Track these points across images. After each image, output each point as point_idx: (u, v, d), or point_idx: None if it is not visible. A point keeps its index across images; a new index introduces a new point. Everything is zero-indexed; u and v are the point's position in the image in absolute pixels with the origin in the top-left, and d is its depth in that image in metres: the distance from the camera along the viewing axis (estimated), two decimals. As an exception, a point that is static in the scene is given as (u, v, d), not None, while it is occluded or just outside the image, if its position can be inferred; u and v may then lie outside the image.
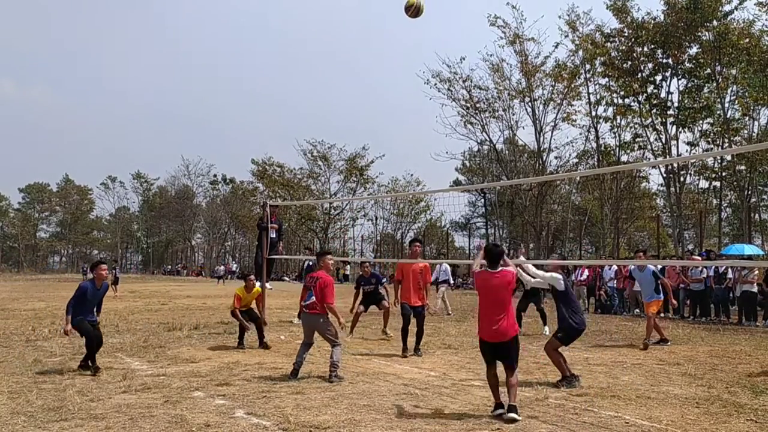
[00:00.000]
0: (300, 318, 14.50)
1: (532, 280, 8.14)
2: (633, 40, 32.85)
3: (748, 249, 20.64)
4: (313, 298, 8.08)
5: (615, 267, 18.89)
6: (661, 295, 11.48)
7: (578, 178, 42.62)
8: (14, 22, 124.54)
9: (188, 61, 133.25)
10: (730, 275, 16.30)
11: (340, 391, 7.29)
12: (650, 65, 33.22)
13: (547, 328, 13.04)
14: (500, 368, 6.37)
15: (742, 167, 31.51)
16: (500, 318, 6.26)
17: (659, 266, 17.54)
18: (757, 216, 34.03)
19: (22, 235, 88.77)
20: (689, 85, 32.58)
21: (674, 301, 12.83)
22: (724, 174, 33.47)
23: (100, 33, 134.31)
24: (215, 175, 79.93)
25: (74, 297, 8.38)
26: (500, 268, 6.45)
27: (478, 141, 44.12)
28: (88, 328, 8.38)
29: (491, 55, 40.25)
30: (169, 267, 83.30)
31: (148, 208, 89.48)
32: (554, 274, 8.03)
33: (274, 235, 13.23)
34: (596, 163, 38.04)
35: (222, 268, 55.13)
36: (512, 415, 5.96)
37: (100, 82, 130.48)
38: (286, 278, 42.27)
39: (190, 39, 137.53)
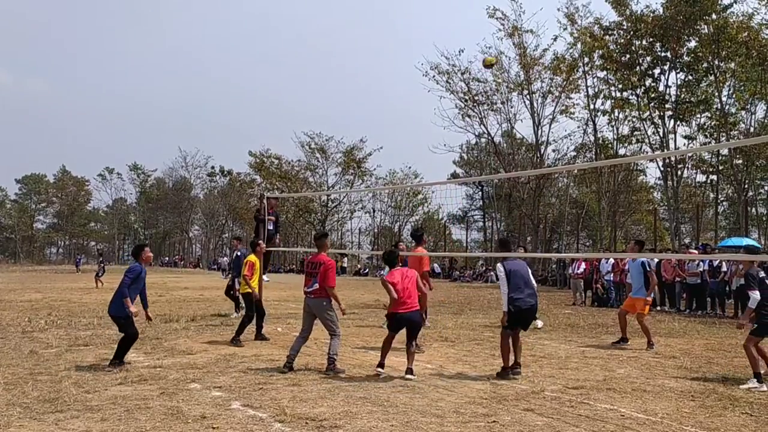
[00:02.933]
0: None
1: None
2: (632, 33, 32.80)
3: (747, 240, 20.67)
4: (317, 285, 8.04)
5: (612, 260, 18.91)
6: (652, 294, 10.99)
7: (576, 172, 42.62)
8: (13, 13, 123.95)
9: (187, 53, 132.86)
10: (724, 268, 16.30)
11: (337, 383, 7.29)
12: (649, 59, 33.19)
13: (539, 321, 12.86)
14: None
15: (739, 161, 31.55)
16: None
17: (655, 260, 17.63)
18: (753, 210, 34.09)
19: (18, 227, 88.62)
20: (687, 78, 32.57)
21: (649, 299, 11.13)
22: (721, 168, 33.53)
23: (98, 25, 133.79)
24: (213, 167, 79.90)
25: (130, 279, 8.19)
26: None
27: (476, 134, 44.17)
28: (132, 327, 8.25)
29: (490, 48, 40.19)
30: (167, 258, 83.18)
31: (146, 199, 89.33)
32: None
33: (271, 227, 13.22)
34: (594, 157, 38.07)
35: (225, 259, 53.64)
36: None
37: (97, 74, 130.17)
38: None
39: (188, 31, 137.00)
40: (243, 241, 16.78)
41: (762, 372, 7.96)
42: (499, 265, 8.15)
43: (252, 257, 11.07)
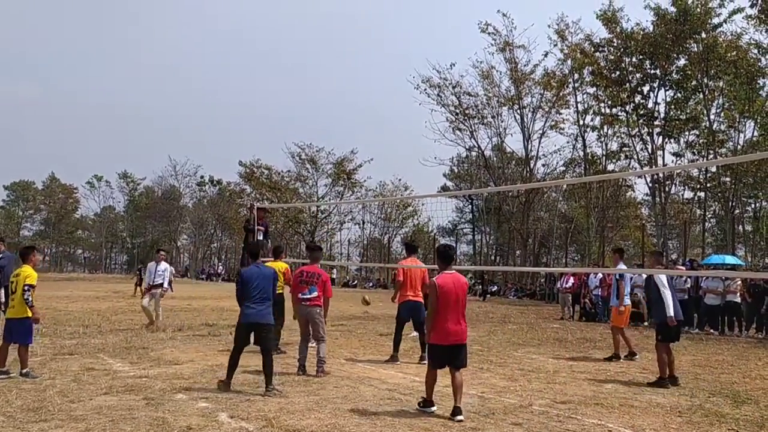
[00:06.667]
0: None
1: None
2: (622, 50, 33.15)
3: (729, 259, 20.81)
4: (316, 292, 8.66)
5: (600, 275, 18.98)
6: (627, 300, 10.93)
7: (565, 186, 42.86)
8: (2, 18, 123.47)
9: (177, 61, 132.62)
10: (703, 285, 16.34)
11: (324, 395, 7.26)
12: (638, 76, 33.55)
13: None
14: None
15: (727, 179, 31.84)
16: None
17: (643, 275, 17.68)
18: (740, 227, 34.38)
19: (5, 233, 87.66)
20: (676, 96, 32.90)
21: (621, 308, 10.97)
22: (708, 185, 33.82)
23: (88, 32, 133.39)
24: (202, 177, 79.43)
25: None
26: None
27: (467, 147, 44.39)
28: None
29: (481, 62, 40.54)
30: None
31: (134, 208, 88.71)
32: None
33: (261, 238, 13.17)
34: (583, 172, 38.32)
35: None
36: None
37: (88, 81, 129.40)
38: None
39: (178, 39, 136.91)
40: (5, 242, 13.96)
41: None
42: (663, 277, 8.52)
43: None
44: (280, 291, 10.65)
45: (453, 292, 6.46)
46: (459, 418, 6.17)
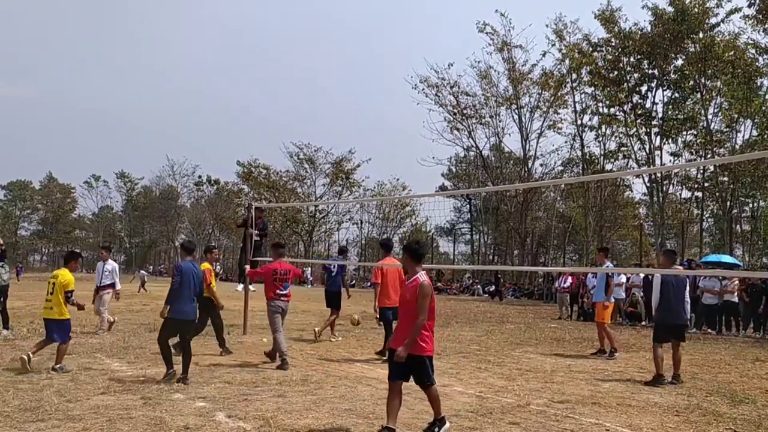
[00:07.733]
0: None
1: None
2: (620, 50, 33.19)
3: (727, 258, 20.83)
4: (289, 288, 9.44)
5: (599, 274, 18.98)
6: (611, 297, 11.46)
7: (563, 186, 42.93)
8: (1, 20, 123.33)
9: (175, 61, 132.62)
10: (701, 284, 16.35)
11: (322, 395, 7.25)
12: (636, 75, 33.59)
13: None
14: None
15: (725, 178, 31.89)
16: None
17: (641, 275, 17.70)
18: (738, 227, 34.42)
19: (2, 233, 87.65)
20: (674, 96, 32.95)
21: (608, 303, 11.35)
22: (706, 185, 33.87)
23: (88, 32, 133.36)
24: (200, 176, 79.40)
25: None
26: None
27: (465, 147, 44.46)
28: None
29: (479, 62, 40.70)
30: (152, 267, 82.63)
31: (132, 207, 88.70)
32: None
33: (257, 238, 13.16)
34: (581, 171, 38.35)
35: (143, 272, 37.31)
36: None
37: (85, 81, 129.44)
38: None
39: (177, 39, 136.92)
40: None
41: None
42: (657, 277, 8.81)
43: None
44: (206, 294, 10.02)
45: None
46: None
